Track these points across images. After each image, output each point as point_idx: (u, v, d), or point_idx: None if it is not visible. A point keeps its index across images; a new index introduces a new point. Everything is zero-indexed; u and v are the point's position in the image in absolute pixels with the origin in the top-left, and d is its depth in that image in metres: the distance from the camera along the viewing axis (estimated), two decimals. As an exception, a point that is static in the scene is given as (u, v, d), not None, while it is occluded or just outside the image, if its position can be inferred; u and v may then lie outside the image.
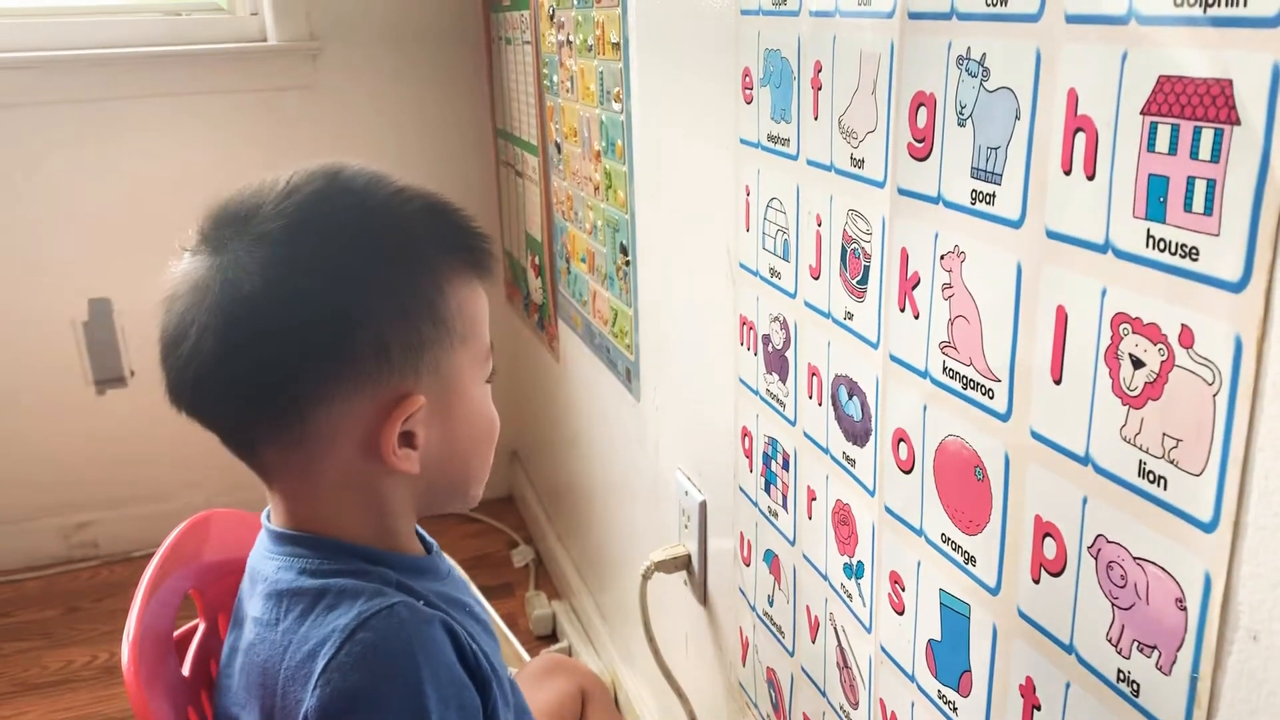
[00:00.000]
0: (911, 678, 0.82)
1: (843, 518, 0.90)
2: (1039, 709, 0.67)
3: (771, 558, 1.07)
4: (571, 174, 1.69)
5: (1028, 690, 0.68)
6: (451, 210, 0.72)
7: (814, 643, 1.01)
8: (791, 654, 1.07)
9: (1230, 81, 0.46)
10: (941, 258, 0.70)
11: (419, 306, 0.67)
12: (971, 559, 0.72)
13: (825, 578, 0.96)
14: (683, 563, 1.32)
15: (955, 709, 0.76)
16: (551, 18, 1.66)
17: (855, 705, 0.94)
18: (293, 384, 0.65)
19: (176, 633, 0.80)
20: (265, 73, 2.21)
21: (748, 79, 0.96)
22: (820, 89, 0.83)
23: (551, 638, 2.03)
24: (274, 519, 0.73)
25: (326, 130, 2.25)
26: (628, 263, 1.45)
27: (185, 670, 0.77)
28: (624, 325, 1.50)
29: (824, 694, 1.00)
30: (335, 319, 0.65)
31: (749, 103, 0.97)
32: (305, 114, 2.24)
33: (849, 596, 0.91)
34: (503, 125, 2.22)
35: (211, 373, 0.65)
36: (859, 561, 0.89)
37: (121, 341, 2.28)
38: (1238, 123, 0.46)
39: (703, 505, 1.26)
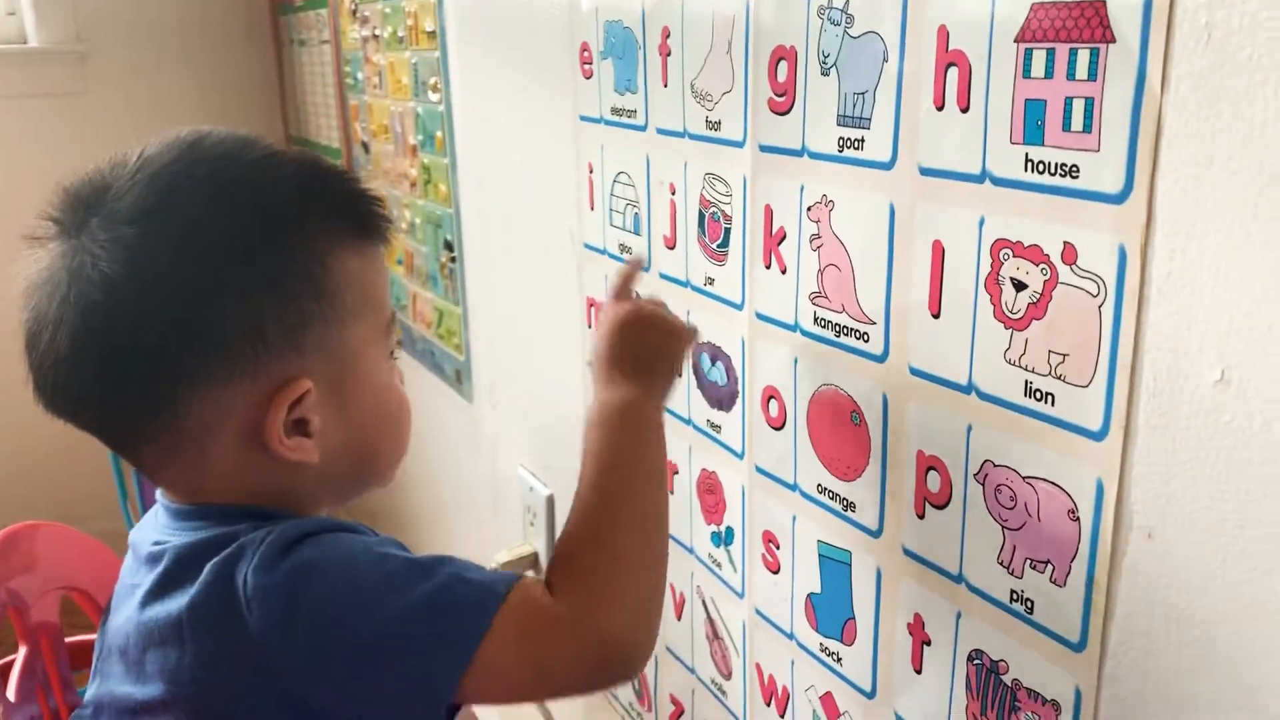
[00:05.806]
0: (790, 635, 0.82)
1: (709, 487, 0.90)
2: (929, 644, 0.68)
3: (630, 541, 1.06)
4: (383, 173, 1.63)
5: (916, 627, 0.69)
6: (332, 173, 0.66)
7: (680, 620, 1.00)
8: (655, 636, 1.05)
9: (1103, 2, 0.49)
10: (808, 209, 0.71)
11: (296, 282, 0.61)
12: (850, 505, 0.73)
13: (691, 551, 0.95)
14: (530, 561, 1.29)
15: (839, 659, 0.77)
16: (354, 13, 1.60)
17: (728, 675, 0.93)
18: (156, 375, 0.59)
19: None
20: (27, 78, 2.03)
21: (586, 53, 0.95)
22: (669, 55, 0.82)
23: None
24: (172, 501, 0.65)
25: (100, 140, 2.03)
26: (453, 259, 1.40)
27: (11, 695, 0.67)
28: (451, 325, 1.46)
29: (692, 670, 0.99)
30: (194, 302, 0.59)
31: (588, 78, 0.95)
32: (75, 122, 2.06)
33: (718, 565, 0.91)
34: (297, 132, 2.12)
35: (70, 369, 0.59)
36: (728, 528, 0.88)
37: None
38: (1113, 40, 0.49)
39: (550, 499, 1.23)
